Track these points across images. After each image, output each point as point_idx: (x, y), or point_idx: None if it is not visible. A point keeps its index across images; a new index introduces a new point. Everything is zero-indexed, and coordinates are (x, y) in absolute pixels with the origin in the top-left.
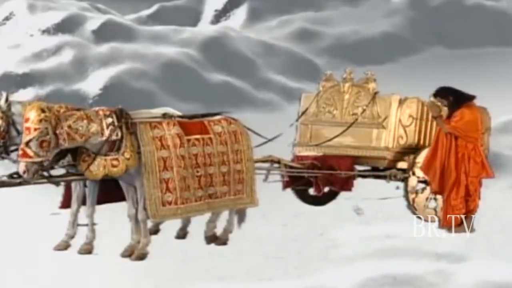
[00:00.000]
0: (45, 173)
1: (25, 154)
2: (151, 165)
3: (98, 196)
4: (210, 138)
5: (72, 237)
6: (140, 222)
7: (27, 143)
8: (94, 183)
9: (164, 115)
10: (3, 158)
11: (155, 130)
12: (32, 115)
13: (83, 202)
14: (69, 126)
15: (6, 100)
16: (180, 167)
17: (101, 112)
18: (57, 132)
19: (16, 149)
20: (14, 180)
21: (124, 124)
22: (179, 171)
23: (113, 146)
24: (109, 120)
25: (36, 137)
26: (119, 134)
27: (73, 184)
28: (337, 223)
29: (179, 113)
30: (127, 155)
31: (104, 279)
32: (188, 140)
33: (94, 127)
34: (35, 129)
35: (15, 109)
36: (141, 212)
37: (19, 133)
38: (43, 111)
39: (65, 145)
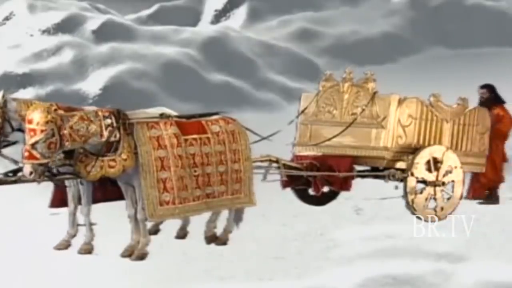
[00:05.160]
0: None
1: (31, 156)
2: (148, 165)
3: (97, 195)
4: (208, 138)
5: (73, 236)
6: (139, 222)
7: (32, 145)
8: (88, 182)
9: (162, 115)
10: None
11: (152, 130)
12: (38, 116)
13: (80, 201)
14: (71, 127)
15: (2, 96)
16: (177, 167)
17: (100, 113)
18: (61, 133)
19: (7, 145)
20: (9, 178)
21: (122, 125)
22: (177, 171)
23: (111, 147)
24: (108, 121)
25: (43, 139)
26: (118, 135)
27: (67, 184)
28: (337, 223)
29: (175, 113)
30: (124, 156)
31: (104, 279)
32: (186, 140)
33: (93, 128)
34: (42, 131)
35: (10, 105)
36: (140, 212)
37: (13, 129)
38: (48, 112)
39: (68, 146)
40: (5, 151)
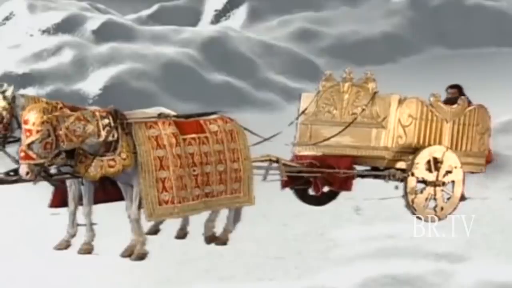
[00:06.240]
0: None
1: (27, 156)
2: (147, 165)
3: (98, 196)
4: (206, 137)
5: (73, 236)
6: (133, 221)
7: (28, 145)
8: (89, 182)
9: (160, 115)
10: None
11: (151, 130)
12: (33, 117)
13: (81, 201)
14: (67, 128)
15: (12, 92)
16: (176, 166)
17: (97, 113)
18: (56, 133)
19: (13, 141)
20: (10, 177)
21: (120, 124)
22: (176, 170)
23: (109, 147)
24: (106, 121)
25: (38, 139)
26: (115, 135)
27: (68, 184)
28: (337, 223)
29: (173, 113)
30: (123, 155)
31: (104, 279)
32: (184, 139)
33: (90, 128)
34: (38, 131)
35: (18, 101)
36: (134, 211)
37: (19, 126)
38: (44, 112)
39: (64, 146)
40: (9, 150)
